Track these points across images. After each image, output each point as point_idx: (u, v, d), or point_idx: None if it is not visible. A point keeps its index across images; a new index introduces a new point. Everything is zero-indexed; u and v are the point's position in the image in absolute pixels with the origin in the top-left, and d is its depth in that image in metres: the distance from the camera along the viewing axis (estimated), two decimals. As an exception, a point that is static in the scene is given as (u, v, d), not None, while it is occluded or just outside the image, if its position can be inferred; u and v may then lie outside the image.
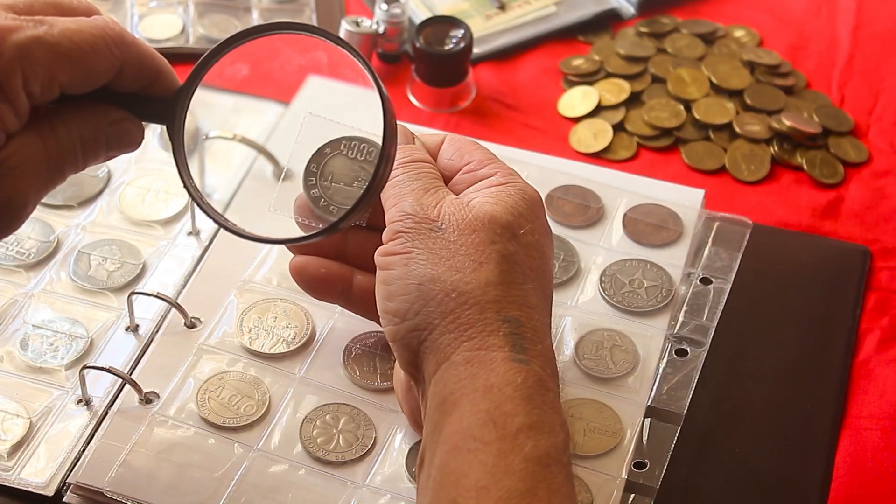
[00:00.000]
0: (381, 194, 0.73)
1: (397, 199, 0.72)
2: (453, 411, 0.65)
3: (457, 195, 0.72)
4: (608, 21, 1.09)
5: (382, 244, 0.71)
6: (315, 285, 0.79)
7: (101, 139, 0.68)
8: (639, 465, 0.77)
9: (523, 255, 0.70)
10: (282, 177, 0.85)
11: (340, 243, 0.78)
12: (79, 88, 0.66)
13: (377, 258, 0.71)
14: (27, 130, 0.65)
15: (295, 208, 0.76)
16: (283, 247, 0.79)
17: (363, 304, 0.78)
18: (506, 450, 0.63)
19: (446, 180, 0.74)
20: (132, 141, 0.69)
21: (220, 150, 0.94)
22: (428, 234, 0.70)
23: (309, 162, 0.72)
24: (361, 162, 0.69)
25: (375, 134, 0.67)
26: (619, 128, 1.00)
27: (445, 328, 0.68)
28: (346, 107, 0.67)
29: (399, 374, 0.74)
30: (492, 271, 0.69)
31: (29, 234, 0.89)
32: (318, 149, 0.71)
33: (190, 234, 0.89)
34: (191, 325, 0.83)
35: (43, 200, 0.89)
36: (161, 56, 0.69)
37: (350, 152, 0.70)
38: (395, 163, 0.73)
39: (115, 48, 0.66)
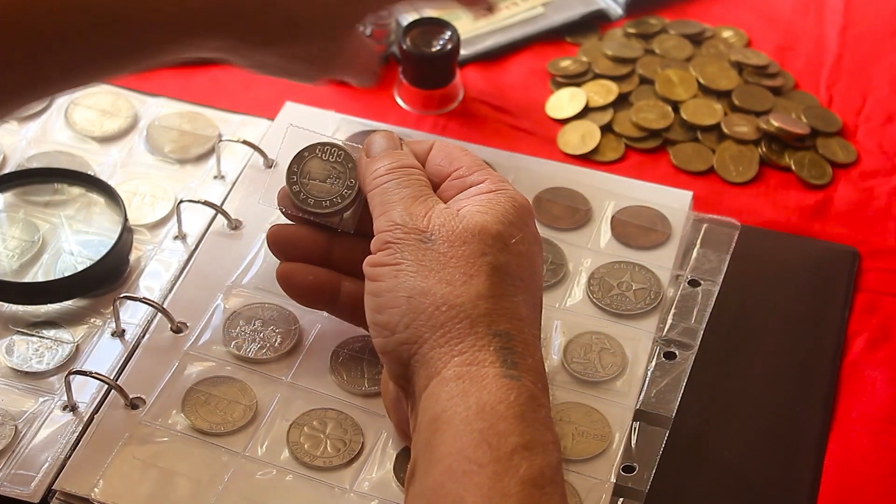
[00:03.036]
0: (370, 201, 0.73)
1: (386, 206, 0.71)
2: (446, 430, 0.64)
3: (446, 202, 0.72)
4: (596, 22, 1.08)
5: (370, 251, 0.71)
6: (302, 293, 0.78)
7: None
8: (627, 468, 0.77)
9: (514, 266, 0.69)
10: (271, 171, 0.94)
11: (328, 250, 0.78)
12: None
13: (366, 268, 0.70)
14: None
15: (278, 200, 0.79)
16: (269, 252, 0.80)
17: (350, 311, 0.78)
18: (501, 472, 0.62)
19: (435, 187, 0.73)
20: None
21: (233, 149, 0.95)
22: (417, 245, 0.69)
23: (290, 163, 0.78)
24: (332, 163, 0.77)
25: (343, 140, 0.79)
26: (606, 129, 0.99)
27: (436, 342, 0.67)
28: (312, 123, 0.83)
29: (388, 384, 0.74)
30: (482, 284, 0.68)
31: (13, 234, 0.88)
32: (298, 152, 0.78)
33: (176, 238, 0.89)
34: (177, 330, 0.83)
35: (30, 201, 0.91)
36: None
37: (323, 155, 0.78)
38: (383, 169, 0.73)
39: None
